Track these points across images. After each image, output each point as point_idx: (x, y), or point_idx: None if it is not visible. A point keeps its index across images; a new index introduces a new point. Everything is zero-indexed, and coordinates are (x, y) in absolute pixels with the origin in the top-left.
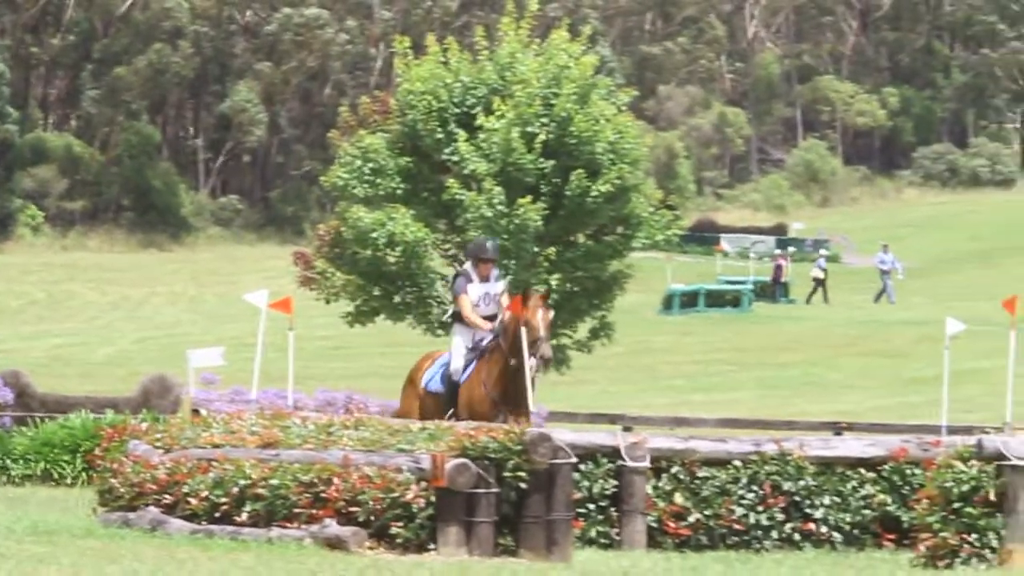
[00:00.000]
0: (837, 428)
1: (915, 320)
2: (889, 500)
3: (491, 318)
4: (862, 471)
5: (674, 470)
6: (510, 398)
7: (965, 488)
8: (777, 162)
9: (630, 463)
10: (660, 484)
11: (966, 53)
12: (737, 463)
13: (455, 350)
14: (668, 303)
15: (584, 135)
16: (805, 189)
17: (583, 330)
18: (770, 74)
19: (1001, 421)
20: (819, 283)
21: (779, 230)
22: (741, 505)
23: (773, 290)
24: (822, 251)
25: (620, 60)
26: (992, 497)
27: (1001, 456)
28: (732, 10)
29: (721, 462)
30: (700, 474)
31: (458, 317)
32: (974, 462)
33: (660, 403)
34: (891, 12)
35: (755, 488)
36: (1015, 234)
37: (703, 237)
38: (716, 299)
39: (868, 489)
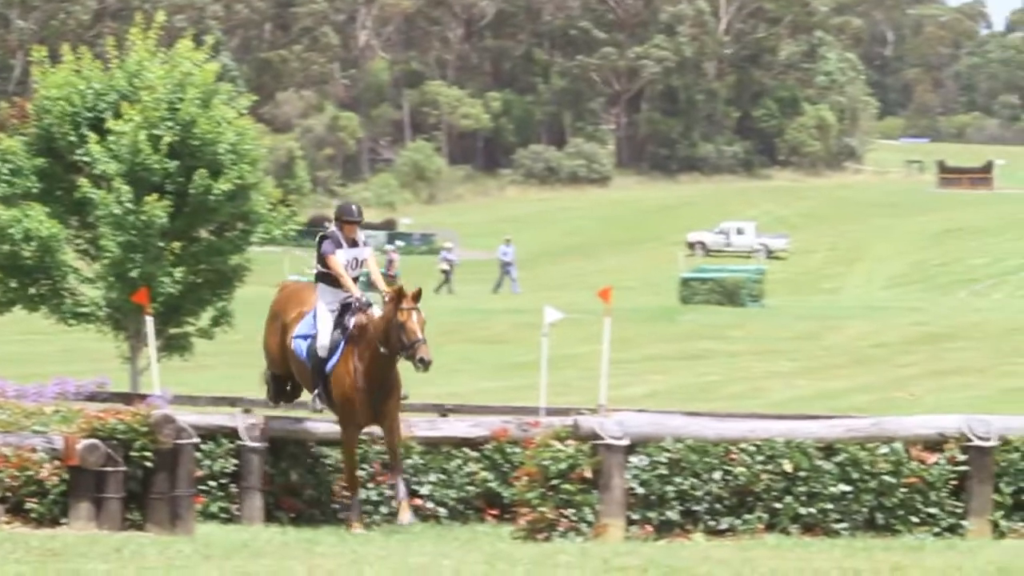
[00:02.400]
0: (443, 410)
1: (516, 309)
2: (491, 477)
3: (355, 280)
4: (466, 450)
5: (290, 449)
6: (378, 386)
7: (562, 466)
8: (387, 162)
9: (249, 443)
10: (277, 462)
11: (564, 59)
12: None
13: (321, 322)
14: None
15: (207, 137)
16: (413, 187)
17: (205, 319)
18: (380, 80)
19: (596, 403)
20: (446, 274)
21: (389, 225)
22: None
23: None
24: (448, 243)
25: (241, 67)
26: (587, 474)
27: (596, 436)
28: (345, 20)
29: (334, 442)
30: (315, 453)
31: (322, 278)
32: (571, 442)
33: None
34: (494, 21)
35: (366, 466)
36: (610, 229)
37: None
38: None
39: (472, 467)
